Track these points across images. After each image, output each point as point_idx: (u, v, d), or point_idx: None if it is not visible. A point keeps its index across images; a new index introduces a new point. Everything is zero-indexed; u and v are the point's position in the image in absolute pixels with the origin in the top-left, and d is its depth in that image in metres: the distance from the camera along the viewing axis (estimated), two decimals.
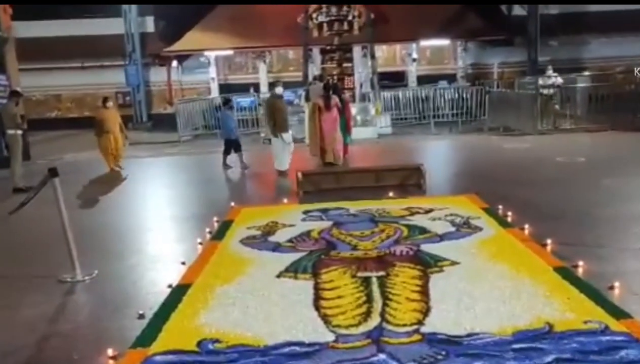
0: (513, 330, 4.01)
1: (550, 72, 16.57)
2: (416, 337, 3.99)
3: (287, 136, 11.36)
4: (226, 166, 12.48)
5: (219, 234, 6.94)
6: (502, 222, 6.93)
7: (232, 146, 12.59)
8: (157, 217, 8.78)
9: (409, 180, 9.53)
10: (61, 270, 5.85)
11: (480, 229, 6.65)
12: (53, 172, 5.77)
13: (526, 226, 6.54)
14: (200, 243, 6.63)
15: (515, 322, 4.14)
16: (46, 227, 6.75)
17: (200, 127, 19.44)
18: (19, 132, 11.06)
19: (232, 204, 8.51)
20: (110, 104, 13.34)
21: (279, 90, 11.73)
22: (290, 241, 6.51)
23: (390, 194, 8.76)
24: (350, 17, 19.53)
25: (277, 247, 6.30)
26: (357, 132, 14.68)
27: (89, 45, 22.58)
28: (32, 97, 22.74)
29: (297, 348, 3.91)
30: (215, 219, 7.58)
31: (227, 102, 13.63)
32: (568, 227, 6.76)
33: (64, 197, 5.91)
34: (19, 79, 15.79)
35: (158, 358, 3.90)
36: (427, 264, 5.45)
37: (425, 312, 4.38)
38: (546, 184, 9.35)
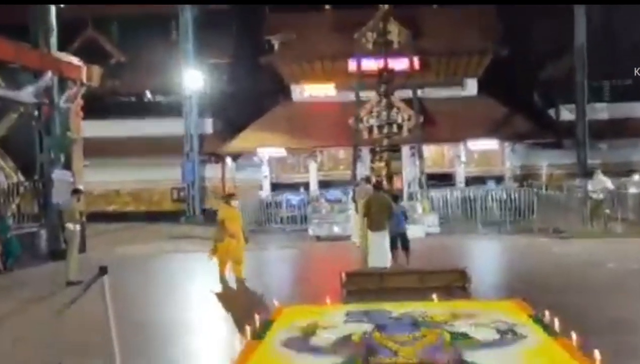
0: None
1: (599, 176, 16.33)
2: None
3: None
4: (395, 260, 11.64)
5: (260, 334, 6.96)
6: (549, 330, 6.72)
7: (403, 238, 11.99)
8: (203, 314, 8.90)
9: (454, 282, 9.43)
10: None
11: (526, 337, 6.47)
12: (103, 271, 5.97)
13: (574, 336, 6.32)
14: (241, 344, 6.66)
15: None
16: (91, 323, 6.87)
17: (252, 222, 19.81)
18: (78, 227, 11.58)
19: (276, 302, 8.55)
20: (236, 202, 11.35)
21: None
22: (330, 343, 6.47)
23: (434, 296, 8.65)
24: (399, 121, 19.99)
25: (317, 350, 6.26)
26: None
27: (149, 144, 23.77)
28: (93, 191, 23.78)
29: None
30: (257, 317, 7.62)
31: (396, 199, 12.86)
32: (620, 338, 6.52)
33: (112, 292, 6.06)
34: (83, 175, 16.68)
35: None
36: None
37: None
38: (597, 291, 9.09)
